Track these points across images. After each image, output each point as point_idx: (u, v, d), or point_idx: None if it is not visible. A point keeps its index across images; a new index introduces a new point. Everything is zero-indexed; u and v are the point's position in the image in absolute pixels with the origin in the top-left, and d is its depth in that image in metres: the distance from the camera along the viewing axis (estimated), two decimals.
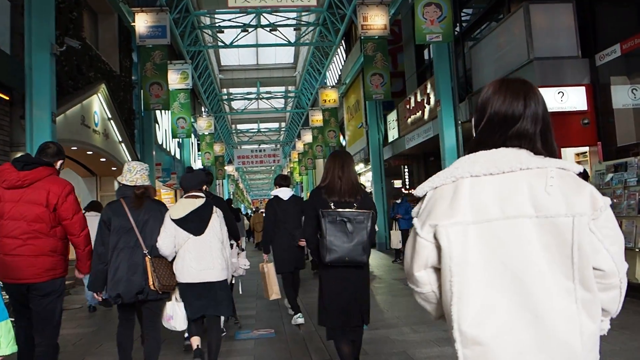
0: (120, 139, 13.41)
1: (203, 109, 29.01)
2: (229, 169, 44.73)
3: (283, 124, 44.57)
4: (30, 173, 3.49)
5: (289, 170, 45.60)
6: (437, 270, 1.43)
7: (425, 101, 13.04)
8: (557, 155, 1.45)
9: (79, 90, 10.54)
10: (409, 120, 14.60)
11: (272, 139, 46.89)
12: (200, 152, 26.38)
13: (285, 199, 6.37)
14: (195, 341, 4.28)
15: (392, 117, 16.78)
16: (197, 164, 29.06)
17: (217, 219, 4.22)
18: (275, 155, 36.01)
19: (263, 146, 42.68)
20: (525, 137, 1.44)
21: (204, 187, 4.78)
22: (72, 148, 10.64)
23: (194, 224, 4.07)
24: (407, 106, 14.60)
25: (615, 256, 1.33)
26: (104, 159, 12.61)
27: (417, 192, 1.49)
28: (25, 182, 3.48)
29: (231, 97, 33.81)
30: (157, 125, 18.81)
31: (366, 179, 21.89)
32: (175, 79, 17.66)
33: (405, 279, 1.57)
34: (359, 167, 21.63)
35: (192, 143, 28.10)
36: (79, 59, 10.63)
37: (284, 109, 36.73)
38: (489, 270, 1.32)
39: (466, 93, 11.39)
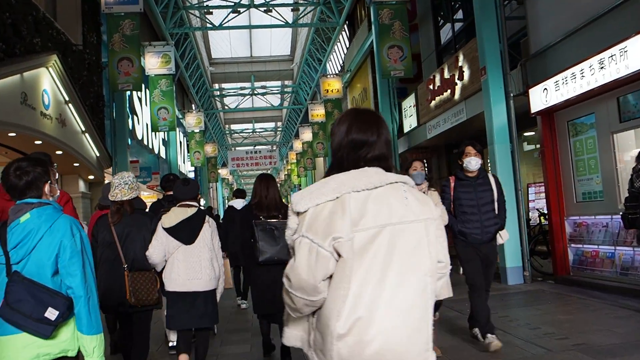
0: (84, 129, 10.95)
1: (194, 107, 26.55)
2: (223, 172, 42.44)
3: (279, 124, 42.19)
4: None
5: (286, 172, 43.36)
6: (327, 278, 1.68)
7: (456, 77, 10.65)
8: (395, 170, 1.82)
9: (16, 58, 8.09)
10: (433, 103, 12.19)
11: (268, 139, 44.45)
12: (189, 152, 23.89)
13: (238, 208, 7.66)
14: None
15: (408, 103, 14.37)
16: (187, 166, 26.58)
17: (208, 228, 4.25)
18: (271, 156, 33.53)
19: (258, 147, 40.16)
20: (381, 159, 1.79)
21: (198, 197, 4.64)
22: (10, 134, 8.19)
23: (185, 233, 4.12)
24: (430, 86, 12.20)
25: (446, 251, 1.84)
26: (60, 152, 10.14)
27: (298, 207, 1.71)
28: None
29: (223, 92, 31.33)
30: (135, 117, 16.34)
31: None
32: (155, 63, 15.24)
33: None
34: None
35: (180, 142, 25.62)
36: (16, 17, 8.18)
37: (281, 105, 34.27)
38: (369, 265, 1.64)
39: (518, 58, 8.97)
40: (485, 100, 8.57)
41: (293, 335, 1.84)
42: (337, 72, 22.80)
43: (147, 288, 3.96)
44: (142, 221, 4.11)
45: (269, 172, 46.31)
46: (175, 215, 4.13)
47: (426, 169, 15.44)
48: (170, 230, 4.04)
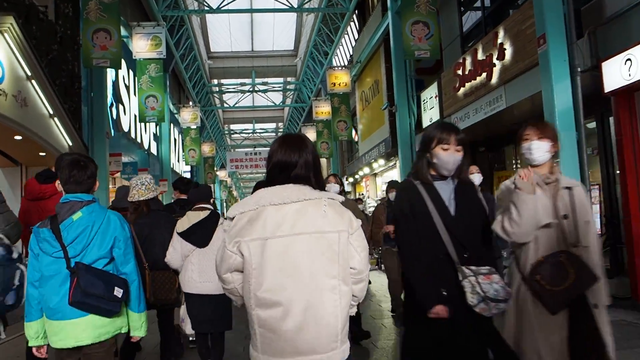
0: (51, 112, 9.24)
1: (190, 102, 24.84)
2: (222, 174, 40.77)
3: (281, 124, 40.51)
4: (49, 186, 3.87)
5: None
6: (239, 272, 2.08)
7: (494, 56, 8.95)
8: (324, 188, 2.13)
9: None
10: (461, 91, 10.49)
11: (268, 141, 42.76)
12: (184, 150, 22.16)
13: None
14: None
15: (428, 94, 12.66)
16: (181, 165, 24.86)
17: (222, 231, 4.17)
18: None
19: (259, 149, 38.41)
20: (302, 178, 2.08)
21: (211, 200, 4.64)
22: None
23: (197, 236, 4.12)
24: (459, 71, 10.50)
25: (363, 260, 2.11)
26: (19, 137, 8.47)
27: (228, 214, 2.13)
28: (46, 194, 3.90)
29: (222, 89, 29.63)
30: (121, 107, 14.63)
31: (383, 182, 17.80)
32: (143, 46, 13.60)
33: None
34: (377, 165, 17.48)
35: (175, 139, 23.90)
36: None
37: (283, 103, 32.55)
38: (282, 268, 1.98)
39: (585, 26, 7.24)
40: (544, 76, 6.85)
41: None
42: (345, 64, 21.10)
43: (166, 287, 4.10)
44: (163, 222, 4.24)
45: None
46: (189, 219, 4.17)
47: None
48: (183, 235, 4.10)
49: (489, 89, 9.27)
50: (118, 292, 2.68)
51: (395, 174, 16.25)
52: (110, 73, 13.53)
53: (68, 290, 2.61)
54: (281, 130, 40.51)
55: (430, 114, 12.56)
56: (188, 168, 28.30)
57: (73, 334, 2.64)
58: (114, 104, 13.87)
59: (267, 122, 39.81)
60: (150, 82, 13.66)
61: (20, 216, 4.12)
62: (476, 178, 4.89)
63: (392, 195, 5.62)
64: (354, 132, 20.17)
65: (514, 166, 12.17)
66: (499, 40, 8.80)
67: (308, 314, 1.96)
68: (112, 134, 13.56)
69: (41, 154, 9.40)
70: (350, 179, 22.15)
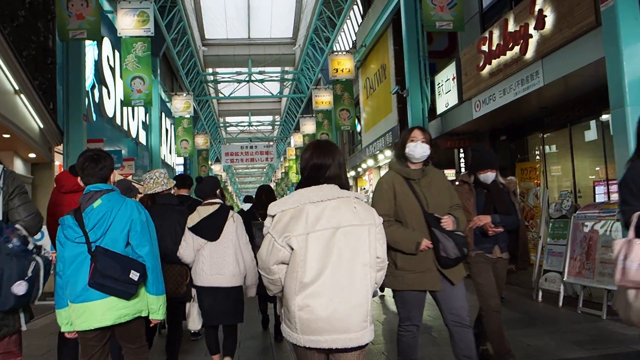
0: (17, 88, 7.97)
1: (184, 93, 23.49)
2: (216, 168, 39.48)
3: (277, 117, 39.20)
4: None
5: (283, 170, 40.38)
6: (285, 263, 2.32)
7: (531, 26, 7.74)
8: (349, 188, 2.45)
9: None
10: (487, 69, 9.28)
11: (265, 134, 41.44)
12: (176, 141, 20.86)
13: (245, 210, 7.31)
14: None
15: (444, 76, 11.45)
16: (173, 157, 23.58)
17: (233, 224, 4.22)
18: (268, 152, 30.59)
19: (255, 142, 37.08)
20: (334, 178, 2.40)
21: (217, 191, 4.51)
22: None
23: (208, 229, 4.14)
24: (484, 47, 9.28)
25: (385, 250, 2.45)
26: None
27: (270, 212, 2.37)
28: (82, 187, 3.73)
29: (217, 78, 28.31)
30: (105, 90, 13.34)
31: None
32: (129, 23, 12.31)
33: None
34: (383, 157, 16.25)
35: (167, 129, 22.61)
36: None
37: (280, 93, 31.24)
38: (322, 257, 2.24)
39: None
40: (609, 39, 5.61)
41: (279, 308, 2.51)
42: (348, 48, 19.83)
43: (176, 281, 4.11)
44: (174, 215, 4.25)
45: (264, 168, 43.95)
46: (199, 213, 4.20)
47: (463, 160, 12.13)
48: (194, 229, 4.13)
49: (522, 65, 8.06)
50: (134, 275, 2.82)
51: None
52: (93, 51, 12.24)
53: (88, 273, 2.80)
54: (277, 123, 39.18)
55: (446, 99, 11.34)
56: (181, 160, 27.00)
57: (95, 315, 2.81)
58: (96, 85, 12.58)
59: (264, 114, 38.50)
60: (136, 63, 12.37)
61: (52, 209, 4.13)
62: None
63: (486, 175, 4.02)
64: (357, 122, 18.95)
65: (537, 157, 11.02)
66: (537, 7, 7.58)
67: (343, 297, 2.23)
68: (94, 119, 12.29)
69: (5, 135, 8.13)
70: (352, 172, 20.92)
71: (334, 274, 2.23)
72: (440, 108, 11.67)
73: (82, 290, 2.80)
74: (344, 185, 2.41)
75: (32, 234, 2.99)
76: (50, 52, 9.58)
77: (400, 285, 3.29)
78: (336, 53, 17.45)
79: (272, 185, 42.50)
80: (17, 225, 2.90)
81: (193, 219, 4.17)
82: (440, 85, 11.70)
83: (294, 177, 32.67)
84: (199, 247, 4.14)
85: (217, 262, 4.11)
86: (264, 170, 58.32)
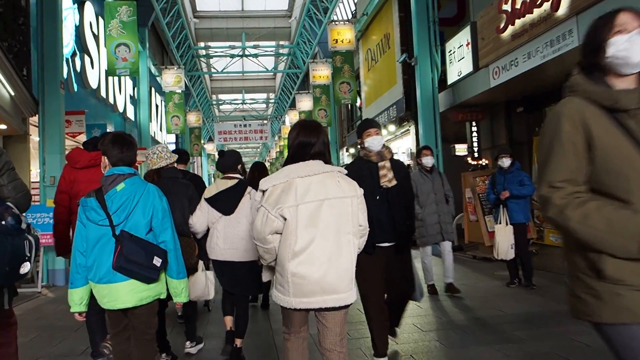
0: None
1: (175, 67, 22.40)
2: (209, 147, 38.50)
3: (272, 95, 38.13)
4: (99, 153, 3.69)
5: (278, 149, 39.44)
6: (278, 233, 2.58)
7: None
8: (332, 163, 2.72)
9: None
10: (509, 31, 8.40)
11: (259, 112, 40.38)
12: (166, 117, 19.86)
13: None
14: (228, 322, 4.46)
15: (457, 42, 10.55)
16: (163, 134, 22.60)
17: (249, 200, 4.21)
18: (262, 131, 29.68)
19: (249, 121, 36.04)
20: (320, 155, 2.69)
21: (239, 167, 4.53)
22: None
23: (223, 203, 4.19)
24: (505, 6, 8.38)
25: (365, 218, 2.75)
26: None
27: (261, 187, 2.65)
28: (98, 161, 3.77)
29: (210, 52, 27.19)
30: (88, 59, 12.33)
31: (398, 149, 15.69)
32: None
33: None
34: (386, 132, 15.38)
35: (157, 105, 21.59)
36: None
37: (275, 69, 30.16)
38: (311, 226, 2.53)
39: None
40: None
41: (266, 275, 2.86)
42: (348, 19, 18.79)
43: (186, 252, 3.99)
44: (180, 189, 4.24)
45: (258, 148, 42.73)
46: (217, 186, 4.24)
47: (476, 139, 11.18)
48: (210, 201, 4.18)
49: (553, 23, 7.19)
50: (157, 261, 2.91)
51: (409, 142, 14.18)
52: (73, 15, 11.21)
53: (112, 256, 2.85)
54: (272, 100, 38.13)
55: (459, 67, 10.46)
56: (173, 138, 26.01)
57: (119, 296, 2.90)
58: (77, 53, 11.56)
59: (258, 92, 37.39)
60: (121, 28, 11.35)
61: (67, 186, 4.09)
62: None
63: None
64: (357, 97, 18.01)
65: None
66: None
67: (331, 262, 2.54)
68: (75, 90, 11.31)
69: None
70: (352, 150, 20.06)
71: (322, 241, 2.54)
72: (452, 78, 10.80)
73: (105, 273, 2.87)
74: (328, 161, 2.70)
75: (21, 212, 2.99)
76: (22, 11, 8.58)
77: (619, 314, 1.68)
78: (336, 23, 16.44)
79: (267, 164, 41.59)
80: (8, 203, 2.92)
81: (210, 191, 4.23)
82: (452, 52, 10.81)
83: None
84: (214, 220, 4.18)
85: (231, 236, 4.15)
86: (258, 149, 57.33)
